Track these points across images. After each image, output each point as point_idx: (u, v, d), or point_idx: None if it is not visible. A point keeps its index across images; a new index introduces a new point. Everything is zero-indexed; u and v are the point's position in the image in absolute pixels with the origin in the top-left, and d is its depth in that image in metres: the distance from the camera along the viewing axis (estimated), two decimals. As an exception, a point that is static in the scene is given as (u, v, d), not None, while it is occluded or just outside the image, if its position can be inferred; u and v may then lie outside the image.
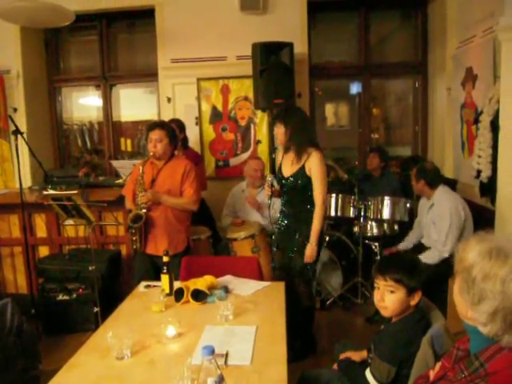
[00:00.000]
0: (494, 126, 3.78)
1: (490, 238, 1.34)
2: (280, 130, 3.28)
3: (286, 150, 3.39)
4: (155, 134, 3.45)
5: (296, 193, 3.33)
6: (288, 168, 3.35)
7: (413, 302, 1.97)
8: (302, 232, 3.30)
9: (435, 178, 3.92)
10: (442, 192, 3.86)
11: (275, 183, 3.46)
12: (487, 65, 4.02)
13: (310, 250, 3.25)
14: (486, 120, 3.90)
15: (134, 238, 3.46)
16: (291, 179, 3.30)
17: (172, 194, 3.48)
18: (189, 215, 3.64)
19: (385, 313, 2.04)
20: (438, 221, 3.79)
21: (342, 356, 2.36)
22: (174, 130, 3.68)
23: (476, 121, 4.12)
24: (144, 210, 3.37)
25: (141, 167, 3.42)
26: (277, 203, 3.77)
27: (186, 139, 4.58)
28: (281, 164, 3.45)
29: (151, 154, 3.46)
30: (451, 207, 3.73)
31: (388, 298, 1.99)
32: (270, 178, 3.44)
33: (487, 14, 4.03)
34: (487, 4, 4.05)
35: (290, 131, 3.24)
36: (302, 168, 3.25)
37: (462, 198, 3.91)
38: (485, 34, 4.10)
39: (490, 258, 1.28)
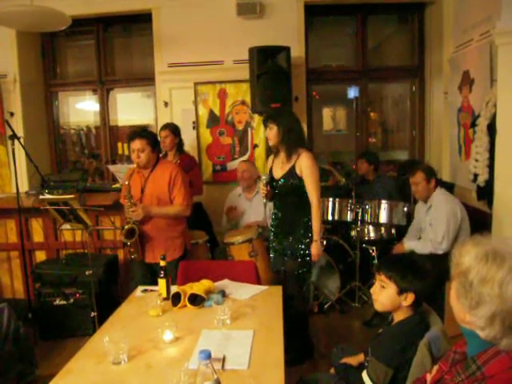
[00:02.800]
0: (491, 130, 3.79)
1: (486, 241, 1.34)
2: (272, 131, 3.27)
3: (276, 152, 3.40)
4: (136, 144, 3.42)
5: (288, 195, 3.33)
6: (278, 170, 3.35)
7: (405, 303, 1.98)
8: (294, 235, 3.31)
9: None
10: (439, 194, 3.87)
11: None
12: (484, 69, 4.04)
13: (315, 249, 3.26)
14: (482, 124, 3.91)
15: (131, 250, 3.47)
16: (282, 180, 3.30)
17: (162, 203, 3.48)
18: (183, 220, 3.62)
19: (376, 306, 2.08)
20: (434, 222, 3.80)
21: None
22: (155, 136, 3.65)
23: (473, 124, 4.13)
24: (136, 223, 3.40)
25: (126, 181, 3.41)
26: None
27: (181, 143, 4.58)
28: (271, 167, 3.45)
29: (135, 164, 3.45)
30: (448, 208, 3.74)
31: (379, 292, 2.03)
32: (264, 176, 3.42)
33: (484, 18, 4.05)
34: (484, 8, 4.07)
35: (282, 131, 3.24)
36: (293, 168, 3.25)
37: (459, 201, 3.93)
38: (482, 37, 4.11)
39: (486, 261, 1.27)
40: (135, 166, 3.46)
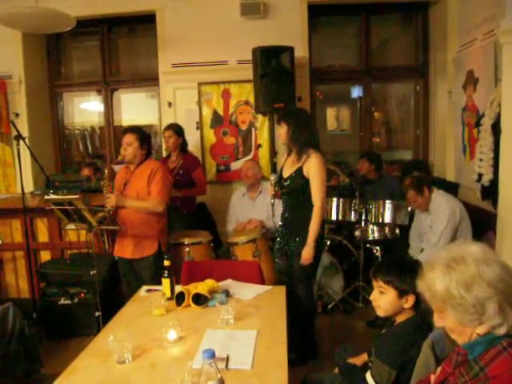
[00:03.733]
0: (496, 130, 3.78)
1: (436, 258, 1.38)
2: (283, 130, 3.30)
3: (289, 152, 3.40)
4: (125, 138, 3.56)
5: (294, 195, 3.33)
6: (288, 169, 3.36)
7: (406, 305, 1.98)
8: (300, 236, 3.29)
9: (430, 182, 3.95)
10: (437, 195, 3.87)
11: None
12: (488, 68, 4.03)
13: (306, 252, 3.22)
14: (487, 123, 3.90)
15: (102, 240, 3.53)
16: (289, 180, 3.30)
17: (140, 197, 3.52)
18: (160, 219, 3.62)
19: (378, 312, 2.07)
20: (435, 224, 3.80)
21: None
22: (146, 135, 3.70)
23: (477, 124, 4.12)
24: (110, 212, 3.47)
25: (106, 170, 3.55)
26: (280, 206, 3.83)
27: (184, 143, 4.59)
28: (283, 166, 3.46)
29: (120, 157, 3.59)
30: (448, 208, 3.75)
31: (379, 297, 2.03)
32: (273, 177, 3.46)
33: (488, 17, 4.04)
34: (488, 7, 4.06)
35: (291, 131, 3.25)
36: (300, 169, 3.25)
37: (460, 200, 3.93)
38: (486, 37, 4.10)
39: (453, 269, 1.32)
40: (119, 158, 3.62)
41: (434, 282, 1.35)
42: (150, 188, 3.51)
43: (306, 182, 3.24)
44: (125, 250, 3.60)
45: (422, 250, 4.04)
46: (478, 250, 1.35)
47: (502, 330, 1.30)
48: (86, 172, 5.35)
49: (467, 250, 1.35)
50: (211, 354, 1.46)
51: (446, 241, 3.70)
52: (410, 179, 4.05)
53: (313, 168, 3.20)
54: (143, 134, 3.64)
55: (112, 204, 3.43)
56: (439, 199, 3.84)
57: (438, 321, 1.41)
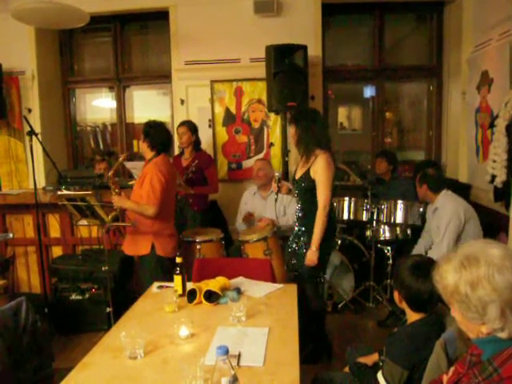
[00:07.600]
0: (510, 131, 3.75)
1: (453, 254, 1.40)
2: (291, 131, 3.33)
3: (301, 153, 3.40)
4: None
5: (304, 196, 3.32)
6: (299, 171, 3.36)
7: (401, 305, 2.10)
8: (306, 236, 3.28)
9: (437, 183, 3.96)
10: (445, 196, 3.88)
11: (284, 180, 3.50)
12: (503, 69, 4.00)
13: (309, 254, 3.21)
14: (501, 124, 3.86)
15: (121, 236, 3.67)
16: (300, 182, 3.31)
17: (134, 197, 3.50)
18: (156, 221, 3.48)
19: None
20: (440, 224, 3.80)
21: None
22: (149, 129, 3.59)
23: (491, 125, 4.09)
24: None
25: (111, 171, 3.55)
26: (291, 206, 3.86)
27: (198, 141, 4.59)
28: (297, 167, 3.46)
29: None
30: (451, 209, 3.76)
31: None
32: (277, 173, 3.51)
33: (503, 18, 4.01)
34: (504, 7, 4.03)
35: (299, 132, 3.26)
36: (308, 171, 3.24)
37: (472, 202, 3.91)
38: (501, 37, 4.07)
39: (465, 268, 1.33)
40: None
41: (446, 275, 1.38)
42: (140, 191, 3.45)
43: (313, 183, 3.22)
44: (125, 246, 3.63)
45: (430, 247, 4.06)
46: (498, 253, 1.33)
47: (503, 335, 1.31)
48: (102, 166, 5.37)
49: (486, 252, 1.34)
50: (225, 351, 1.46)
51: (448, 240, 3.71)
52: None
53: (319, 169, 3.19)
54: (146, 129, 3.58)
55: (115, 205, 3.45)
56: (445, 199, 3.86)
57: (452, 312, 1.44)
